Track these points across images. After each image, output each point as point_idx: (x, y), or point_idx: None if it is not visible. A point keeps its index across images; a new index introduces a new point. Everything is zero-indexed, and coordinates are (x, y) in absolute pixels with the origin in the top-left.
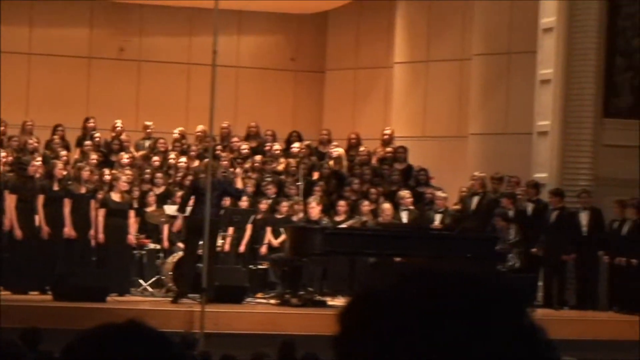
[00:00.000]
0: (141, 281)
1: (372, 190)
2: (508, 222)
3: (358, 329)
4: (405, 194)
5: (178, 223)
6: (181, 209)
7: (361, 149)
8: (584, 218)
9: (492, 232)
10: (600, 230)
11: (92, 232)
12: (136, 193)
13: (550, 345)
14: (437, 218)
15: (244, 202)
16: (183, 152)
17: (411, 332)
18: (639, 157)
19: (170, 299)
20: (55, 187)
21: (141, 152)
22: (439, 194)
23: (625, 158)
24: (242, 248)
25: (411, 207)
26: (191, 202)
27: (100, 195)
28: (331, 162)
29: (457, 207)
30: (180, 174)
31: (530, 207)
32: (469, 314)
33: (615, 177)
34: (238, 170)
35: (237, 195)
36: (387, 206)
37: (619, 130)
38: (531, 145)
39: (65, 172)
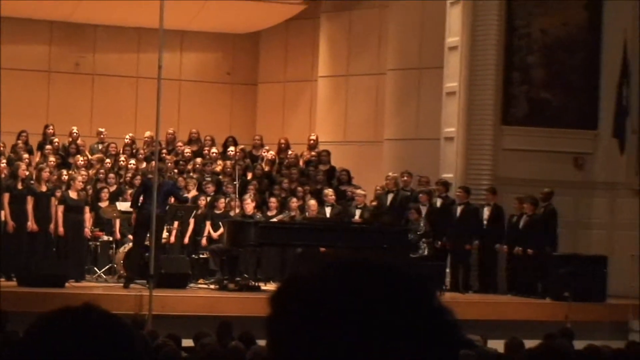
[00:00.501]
0: (96, 269)
1: (299, 188)
2: (420, 215)
3: (287, 311)
4: (328, 192)
5: (134, 217)
6: (134, 205)
7: (290, 152)
8: (486, 213)
9: (405, 224)
10: (499, 224)
11: (52, 226)
12: (91, 191)
13: (456, 325)
14: (357, 213)
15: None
16: (132, 155)
17: (333, 314)
18: (533, 159)
19: (121, 284)
20: (19, 186)
21: (95, 155)
22: (359, 191)
23: (521, 160)
24: (186, 240)
25: (334, 204)
26: (141, 198)
27: (59, 194)
28: (263, 164)
29: (374, 203)
30: (129, 175)
31: (439, 202)
32: (384, 297)
33: (513, 177)
34: (180, 179)
35: (182, 199)
36: (312, 202)
37: (516, 136)
38: (439, 149)
39: (27, 173)
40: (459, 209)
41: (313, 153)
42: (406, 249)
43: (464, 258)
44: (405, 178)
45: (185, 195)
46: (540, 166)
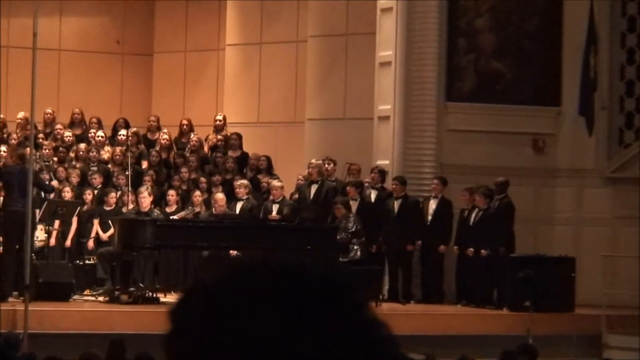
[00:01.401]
0: None
1: (203, 179)
2: (349, 210)
3: (189, 326)
4: (240, 183)
5: None
6: None
7: (192, 136)
8: (432, 207)
9: (332, 222)
10: (446, 220)
11: None
12: None
13: (393, 341)
14: (274, 208)
15: (67, 194)
16: (3, 141)
17: (242, 329)
18: (484, 142)
19: None
20: None
21: None
22: (275, 183)
23: (470, 143)
24: (68, 242)
25: (247, 197)
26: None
27: None
28: (160, 151)
29: (295, 196)
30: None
31: (373, 195)
32: (304, 309)
33: (460, 163)
34: (60, 169)
35: (46, 189)
36: (219, 196)
37: (463, 114)
38: (372, 130)
39: None
40: (396, 204)
41: (220, 137)
42: (334, 251)
43: (403, 262)
44: (329, 166)
45: (51, 184)
46: (493, 150)
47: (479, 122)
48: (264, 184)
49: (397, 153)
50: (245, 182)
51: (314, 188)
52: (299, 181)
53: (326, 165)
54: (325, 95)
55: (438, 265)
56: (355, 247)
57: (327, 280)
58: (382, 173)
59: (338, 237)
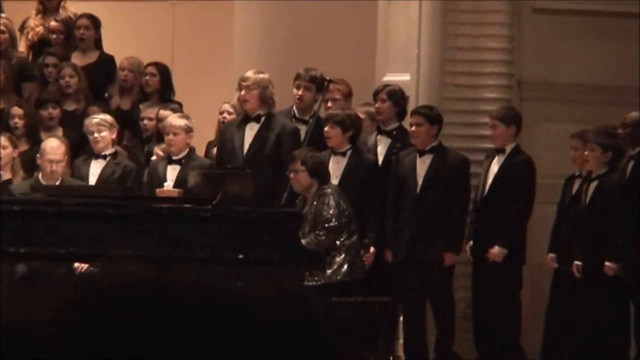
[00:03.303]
0: None
1: (17, 109)
2: (323, 180)
3: None
4: (96, 121)
5: None
6: None
7: None
8: (493, 172)
9: (290, 203)
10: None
11: None
12: None
13: None
14: (171, 175)
15: None
16: None
17: None
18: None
19: None
20: None
21: None
22: (174, 120)
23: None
24: None
25: (113, 152)
26: None
27: None
28: None
29: (214, 149)
30: None
31: (380, 146)
32: None
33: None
34: None
35: None
36: (53, 146)
37: None
38: (373, 14)
39: None
40: (422, 165)
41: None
42: (295, 264)
43: (437, 287)
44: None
45: None
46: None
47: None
48: (147, 122)
49: (428, 58)
50: (106, 118)
51: (251, 130)
52: (223, 118)
53: (270, 88)
54: None
55: (513, 295)
56: (340, 257)
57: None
58: (396, 98)
59: (303, 237)
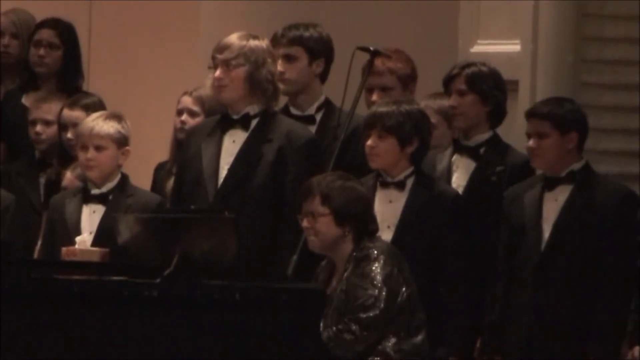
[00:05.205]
0: None
1: None
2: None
3: None
4: None
5: None
6: None
7: None
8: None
9: (306, 272)
10: None
11: None
12: None
13: None
14: (87, 219)
15: None
16: None
17: None
18: None
19: None
20: None
21: None
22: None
23: None
24: None
25: None
26: None
27: None
28: None
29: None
30: None
31: (462, 165)
32: None
33: None
34: None
35: None
36: None
37: None
38: None
39: None
40: (552, 198)
41: None
42: None
43: None
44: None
45: None
46: None
47: None
48: (41, 127)
49: (554, 13)
50: None
51: (232, 142)
52: (182, 121)
53: (269, 65)
54: None
55: None
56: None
57: None
58: (486, 87)
59: (324, 330)
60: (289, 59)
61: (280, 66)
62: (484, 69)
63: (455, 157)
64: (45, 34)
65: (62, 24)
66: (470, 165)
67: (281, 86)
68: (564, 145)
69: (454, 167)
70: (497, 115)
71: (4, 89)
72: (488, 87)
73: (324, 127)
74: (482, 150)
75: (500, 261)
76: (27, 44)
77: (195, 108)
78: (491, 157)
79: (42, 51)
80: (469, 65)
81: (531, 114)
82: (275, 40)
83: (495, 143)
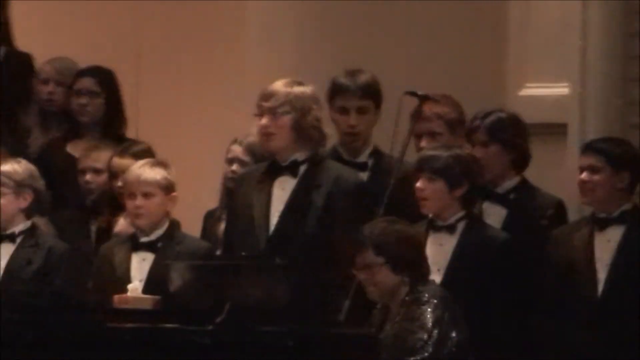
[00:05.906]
0: None
1: None
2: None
3: None
4: None
5: None
6: None
7: None
8: None
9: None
10: None
11: None
12: None
13: None
14: (138, 271)
15: None
16: None
17: None
18: None
19: None
20: None
21: None
22: (138, 171)
23: None
24: None
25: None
26: None
27: None
28: None
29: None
30: None
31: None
32: None
33: None
34: None
35: None
36: None
37: None
38: None
39: None
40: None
41: None
42: None
43: None
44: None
45: None
46: None
47: None
48: (91, 175)
49: (603, 57)
50: (15, 169)
51: (282, 189)
52: (232, 170)
53: (315, 111)
54: None
55: None
56: None
57: None
58: (505, 136)
59: None
60: (361, 111)
61: (351, 117)
62: (502, 115)
63: (485, 205)
64: (86, 83)
65: (101, 71)
66: (500, 212)
67: (347, 137)
68: (615, 183)
69: (486, 216)
70: (521, 160)
71: (49, 137)
72: (509, 135)
73: (376, 173)
74: (511, 197)
75: (549, 303)
76: (70, 92)
77: (246, 158)
78: (519, 204)
79: (83, 100)
80: (488, 114)
81: (587, 148)
82: (339, 88)
83: (526, 188)
